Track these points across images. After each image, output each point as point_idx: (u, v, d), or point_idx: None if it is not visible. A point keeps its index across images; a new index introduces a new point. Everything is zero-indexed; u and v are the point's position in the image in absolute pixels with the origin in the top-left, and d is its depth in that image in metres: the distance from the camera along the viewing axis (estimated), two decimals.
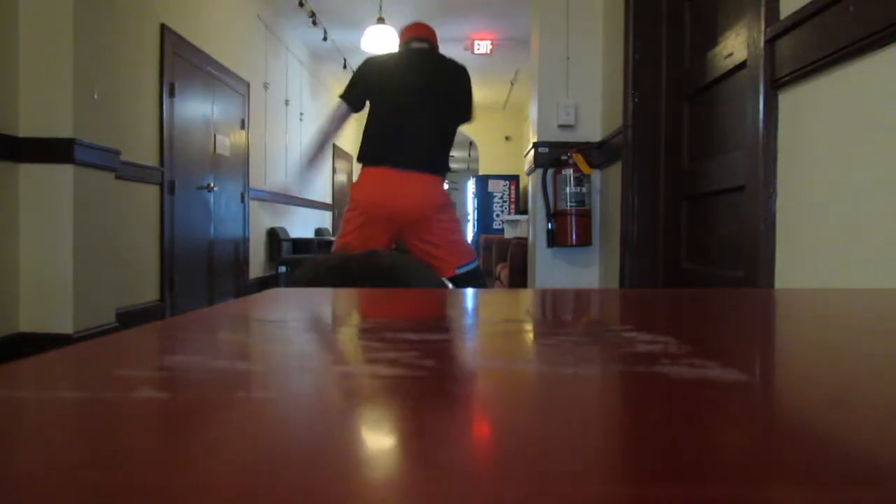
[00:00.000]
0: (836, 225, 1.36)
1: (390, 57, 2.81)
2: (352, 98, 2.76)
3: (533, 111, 3.74)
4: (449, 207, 2.75)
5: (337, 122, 2.77)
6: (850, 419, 0.23)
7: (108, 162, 3.29)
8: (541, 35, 3.60)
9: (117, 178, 3.46)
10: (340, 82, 8.84)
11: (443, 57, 2.81)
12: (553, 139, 3.53)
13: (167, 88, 4.37)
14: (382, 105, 2.67)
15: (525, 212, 8.68)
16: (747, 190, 1.72)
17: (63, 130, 2.98)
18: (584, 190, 3.38)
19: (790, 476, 0.17)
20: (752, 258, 1.66)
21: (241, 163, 5.77)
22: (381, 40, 5.55)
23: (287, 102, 7.06)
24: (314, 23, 6.64)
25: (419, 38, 2.82)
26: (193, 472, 0.18)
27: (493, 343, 0.42)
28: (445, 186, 2.78)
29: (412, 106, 2.62)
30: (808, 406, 0.25)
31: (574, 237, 3.38)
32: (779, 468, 0.17)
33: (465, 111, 2.76)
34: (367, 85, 2.72)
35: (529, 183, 4.14)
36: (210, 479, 0.17)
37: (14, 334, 2.97)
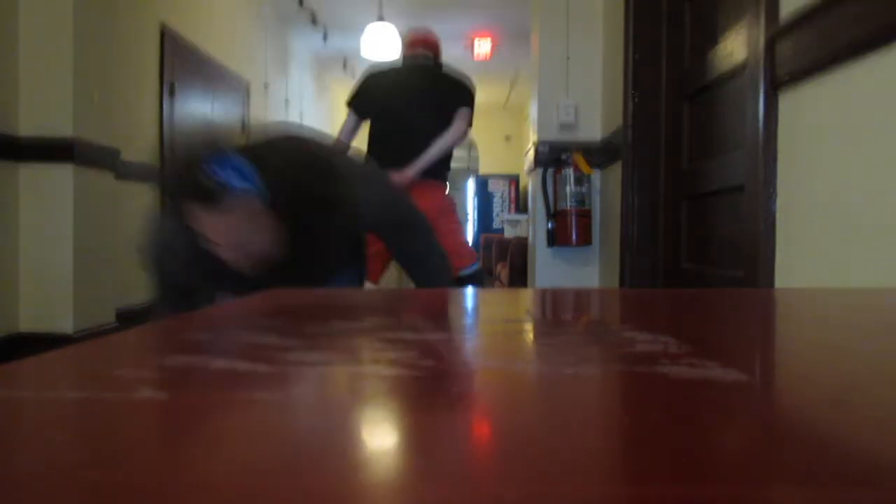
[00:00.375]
0: (837, 225, 1.36)
1: (393, 69, 2.85)
2: (360, 108, 2.80)
3: (533, 111, 3.74)
4: (450, 212, 2.84)
5: (349, 133, 2.81)
6: (850, 419, 0.23)
7: (108, 162, 3.29)
8: (541, 35, 3.60)
9: (117, 177, 3.46)
10: (340, 82, 8.85)
11: (444, 72, 2.86)
12: (553, 139, 3.53)
13: (167, 88, 4.37)
14: (385, 116, 2.73)
15: (525, 211, 8.68)
16: (747, 190, 1.73)
17: (63, 130, 2.98)
18: (584, 190, 3.38)
19: (790, 476, 0.17)
20: (752, 258, 1.66)
21: None
22: (382, 39, 5.55)
23: (287, 102, 7.06)
24: (314, 23, 6.64)
25: (424, 50, 2.87)
26: (193, 473, 0.18)
27: (494, 343, 0.42)
28: (447, 192, 2.85)
29: (413, 118, 2.69)
30: (808, 406, 0.25)
31: (574, 237, 3.38)
32: (779, 468, 0.17)
33: (460, 106, 2.80)
34: (371, 97, 2.77)
35: (529, 182, 4.14)
36: (210, 480, 0.17)
37: (14, 334, 2.97)
